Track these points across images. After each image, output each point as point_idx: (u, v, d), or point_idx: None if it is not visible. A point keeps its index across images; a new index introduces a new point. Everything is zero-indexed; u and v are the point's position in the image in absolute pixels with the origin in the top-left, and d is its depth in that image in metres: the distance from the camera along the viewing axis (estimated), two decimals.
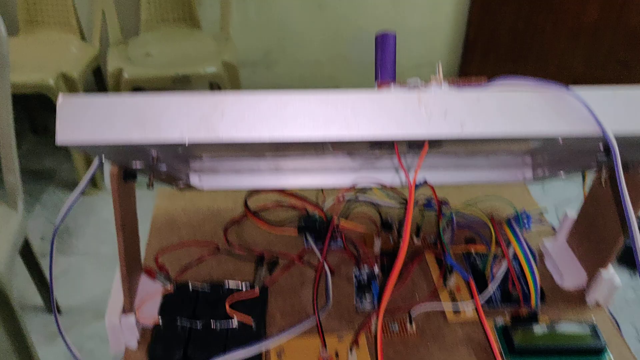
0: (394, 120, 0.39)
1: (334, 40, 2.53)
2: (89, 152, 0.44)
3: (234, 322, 0.54)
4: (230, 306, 0.55)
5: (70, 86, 2.00)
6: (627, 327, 0.67)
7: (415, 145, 0.46)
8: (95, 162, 0.53)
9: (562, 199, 0.75)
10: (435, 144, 0.46)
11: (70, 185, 2.28)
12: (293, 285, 0.71)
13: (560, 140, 0.42)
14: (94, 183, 2.27)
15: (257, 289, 0.57)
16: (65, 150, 2.12)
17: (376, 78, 0.46)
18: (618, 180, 0.40)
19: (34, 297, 1.71)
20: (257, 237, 0.78)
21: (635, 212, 0.59)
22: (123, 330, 0.62)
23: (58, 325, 0.59)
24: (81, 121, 0.38)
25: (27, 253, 1.50)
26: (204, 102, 0.38)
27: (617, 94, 0.39)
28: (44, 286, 1.66)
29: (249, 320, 0.53)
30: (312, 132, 0.38)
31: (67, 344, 0.57)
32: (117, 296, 0.63)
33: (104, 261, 1.94)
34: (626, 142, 0.41)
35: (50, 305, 1.73)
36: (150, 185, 0.59)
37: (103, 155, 0.47)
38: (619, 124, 0.39)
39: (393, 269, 0.47)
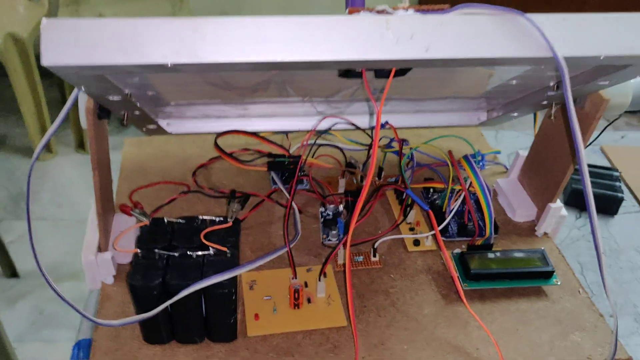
0: (363, 43, 0.41)
1: None
2: (72, 80, 0.45)
3: (210, 252, 0.56)
4: (205, 238, 0.57)
5: (20, 48, 1.95)
6: (572, 262, 0.73)
7: (382, 74, 0.49)
8: (74, 94, 0.54)
9: (514, 148, 0.80)
10: (400, 73, 0.50)
11: (23, 151, 2.24)
12: (262, 222, 0.74)
13: (516, 66, 0.46)
14: (48, 148, 2.23)
15: (230, 221, 0.59)
16: (18, 116, 2.08)
17: (347, 5, 0.48)
18: (567, 103, 0.43)
19: None
20: (225, 180, 0.80)
21: (584, 142, 0.64)
22: (99, 267, 0.64)
23: None
24: (66, 44, 0.39)
25: None
26: (186, 25, 0.40)
27: (567, 18, 0.43)
28: (2, 250, 1.65)
29: (224, 248, 0.56)
30: (288, 54, 0.41)
31: None
32: (92, 234, 0.65)
33: (62, 225, 1.92)
34: (574, 65, 0.45)
35: (8, 270, 1.71)
36: (124, 122, 0.61)
37: (85, 88, 0.49)
38: (568, 47, 0.43)
39: (361, 195, 0.51)
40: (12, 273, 1.73)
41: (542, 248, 0.67)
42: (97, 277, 0.65)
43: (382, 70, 0.49)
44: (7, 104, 2.50)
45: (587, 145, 0.81)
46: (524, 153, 0.78)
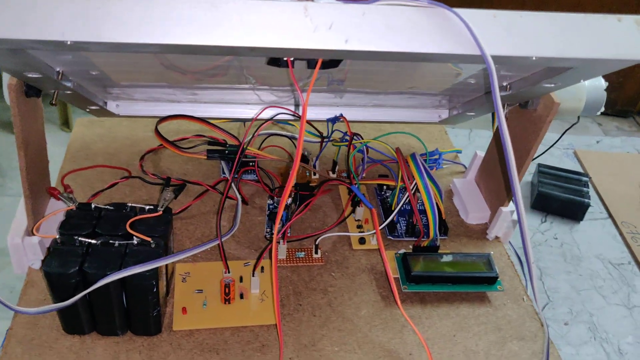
0: (279, 29, 0.39)
1: None
2: None
3: (134, 241, 0.54)
4: (134, 227, 0.55)
5: None
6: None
7: (313, 65, 0.47)
8: None
9: (487, 146, 0.77)
10: (331, 64, 0.47)
11: (3, 125, 2.21)
12: (205, 213, 0.71)
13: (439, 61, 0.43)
14: (66, 123, 2.19)
15: (160, 211, 0.57)
16: None
17: None
18: (495, 102, 0.41)
19: None
20: (174, 167, 0.78)
21: (535, 146, 0.62)
22: (26, 250, 0.62)
23: None
24: None
25: None
26: (89, 1, 0.37)
27: (498, 14, 0.40)
28: None
29: (147, 238, 0.54)
30: (196, 37, 0.38)
31: None
32: (21, 217, 0.62)
33: None
34: (506, 63, 0.42)
35: None
36: (53, 102, 0.58)
37: None
38: (498, 46, 0.40)
39: (285, 188, 0.48)
40: None
41: (489, 252, 0.65)
42: (24, 261, 0.62)
43: (312, 61, 0.46)
44: None
45: (547, 150, 0.79)
46: (482, 153, 0.75)
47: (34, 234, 0.61)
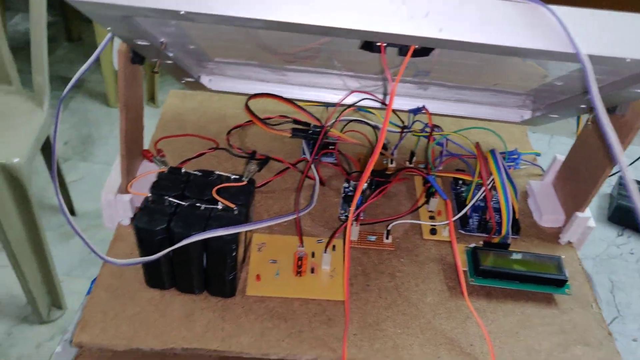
0: (376, 13, 0.41)
1: None
2: (97, 19, 0.46)
3: (219, 206, 0.57)
4: (219, 193, 0.58)
5: None
6: (604, 279, 0.70)
7: (404, 53, 0.48)
8: (108, 35, 0.56)
9: (566, 153, 0.76)
10: (421, 52, 0.48)
11: (98, 97, 2.32)
12: (284, 189, 0.74)
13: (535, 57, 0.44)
14: (152, 99, 2.30)
15: (244, 181, 0.60)
16: (97, 62, 2.16)
17: None
18: (595, 105, 0.41)
19: (52, 198, 1.77)
20: (259, 143, 0.81)
21: (623, 148, 0.61)
22: (117, 207, 0.66)
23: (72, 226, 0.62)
24: None
25: (49, 154, 1.55)
26: None
27: (595, 14, 0.41)
28: (63, 188, 1.72)
29: (232, 205, 0.57)
30: (298, 16, 0.41)
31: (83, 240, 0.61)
32: (115, 175, 0.67)
33: None
34: (599, 63, 0.43)
35: (68, 208, 1.79)
36: (155, 70, 0.62)
37: (111, 29, 0.50)
38: (592, 45, 0.41)
39: (363, 173, 0.50)
40: (70, 211, 1.82)
41: (560, 256, 0.65)
42: (114, 217, 0.67)
43: (403, 47, 0.48)
44: (89, 49, 2.61)
45: (633, 163, 0.77)
46: (562, 157, 0.75)
47: (127, 192, 0.65)
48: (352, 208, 0.56)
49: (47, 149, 1.49)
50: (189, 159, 0.76)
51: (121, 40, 0.57)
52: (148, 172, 0.66)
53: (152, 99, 2.29)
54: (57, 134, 0.61)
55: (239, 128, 0.83)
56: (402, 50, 0.49)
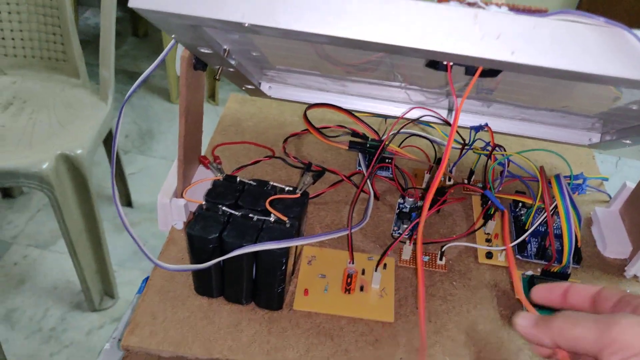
0: (446, 34, 0.39)
1: None
2: (162, 26, 0.47)
3: (271, 218, 0.57)
4: (272, 204, 0.58)
5: None
6: None
7: (471, 72, 0.47)
8: (172, 42, 0.57)
9: (634, 179, 0.72)
10: (489, 73, 0.47)
11: (161, 92, 2.37)
12: (338, 202, 0.73)
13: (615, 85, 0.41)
14: (212, 97, 2.34)
15: (298, 193, 0.59)
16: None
17: None
18: None
19: (111, 189, 1.81)
20: (314, 153, 0.80)
21: None
22: (172, 210, 0.67)
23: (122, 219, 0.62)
24: None
25: (111, 147, 1.59)
26: None
27: None
28: (121, 180, 1.77)
29: (284, 218, 0.56)
30: (366, 33, 0.40)
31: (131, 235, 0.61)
32: (172, 179, 0.68)
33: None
34: None
35: (124, 199, 1.84)
36: (217, 77, 0.62)
37: (176, 36, 0.50)
38: None
39: (427, 193, 0.49)
40: (127, 202, 1.86)
41: (627, 291, 0.61)
42: (168, 220, 0.67)
43: (470, 68, 0.46)
44: (154, 46, 2.67)
45: None
46: (632, 185, 0.71)
47: (182, 197, 0.66)
48: (419, 229, 0.54)
49: (109, 141, 1.53)
50: (245, 166, 0.76)
51: (184, 47, 0.57)
52: (204, 179, 0.66)
53: (212, 96, 2.32)
54: (117, 134, 0.62)
55: (296, 136, 0.83)
56: (469, 70, 0.47)
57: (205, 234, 0.55)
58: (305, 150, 0.81)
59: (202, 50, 0.54)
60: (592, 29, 0.38)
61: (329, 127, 0.82)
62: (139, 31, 2.69)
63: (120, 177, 1.76)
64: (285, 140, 0.81)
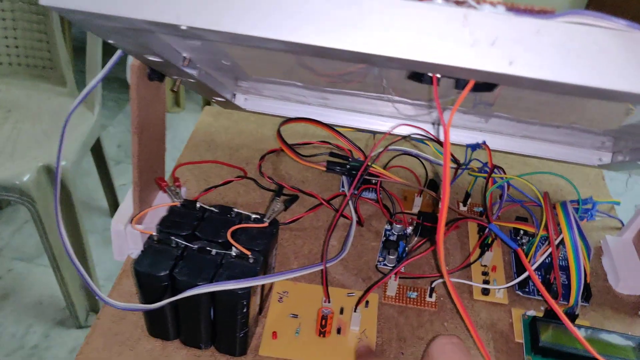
0: (428, 38, 0.31)
1: None
2: (92, 29, 0.39)
3: (233, 252, 0.49)
4: (235, 235, 0.50)
5: None
6: None
7: (462, 86, 0.39)
8: (118, 54, 0.49)
9: None
10: (484, 87, 0.39)
11: None
12: (317, 228, 0.65)
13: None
14: (177, 102, 2.28)
15: (266, 222, 0.52)
16: None
17: None
18: None
19: (102, 200, 1.75)
20: (293, 172, 0.73)
21: None
22: (127, 238, 0.59)
23: None
24: None
25: (99, 158, 1.53)
26: None
27: None
28: (111, 191, 1.70)
29: (247, 252, 0.49)
30: (329, 39, 0.32)
31: None
32: (128, 203, 0.60)
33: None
34: None
35: (114, 210, 1.77)
36: (173, 89, 0.55)
37: (115, 42, 0.43)
38: None
39: (437, 234, 0.41)
40: None
41: None
42: (124, 248, 0.60)
43: (462, 81, 0.39)
44: None
45: None
46: None
47: (138, 224, 0.58)
48: (443, 265, 0.47)
49: (98, 150, 1.48)
50: (215, 187, 0.68)
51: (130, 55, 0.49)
52: (162, 205, 0.59)
53: (208, 103, 2.25)
54: (61, 156, 0.55)
55: (274, 153, 0.75)
56: (460, 83, 0.39)
57: (153, 270, 0.47)
58: (284, 168, 0.73)
59: (151, 58, 0.46)
60: (610, 34, 0.31)
61: (312, 143, 0.74)
62: None
63: (109, 188, 1.69)
64: (262, 158, 0.73)
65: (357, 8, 0.32)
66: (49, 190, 1.24)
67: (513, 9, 0.32)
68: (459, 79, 0.39)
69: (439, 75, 0.38)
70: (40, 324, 1.51)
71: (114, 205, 1.76)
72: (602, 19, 0.31)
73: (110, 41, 0.42)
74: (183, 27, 0.33)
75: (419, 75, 0.39)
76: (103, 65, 0.49)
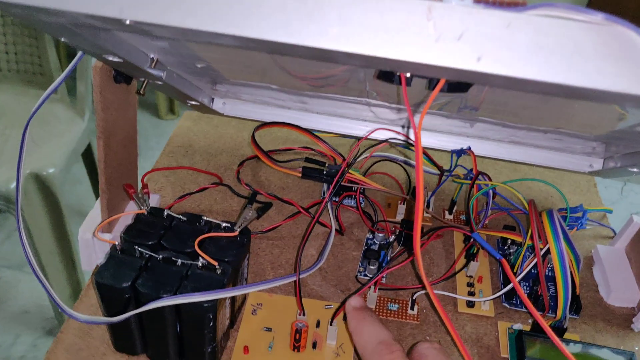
0: (390, 33, 0.29)
1: None
2: (41, 28, 0.37)
3: (199, 262, 0.46)
4: (203, 245, 0.47)
5: None
6: None
7: (433, 86, 0.36)
8: (79, 55, 0.47)
9: None
10: (456, 88, 0.36)
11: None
12: (296, 237, 0.63)
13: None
14: (171, 109, 2.26)
15: (236, 231, 0.49)
16: None
17: None
18: None
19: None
20: (273, 179, 0.70)
21: None
22: (95, 248, 0.57)
23: None
24: None
25: (90, 164, 1.52)
26: None
27: None
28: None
29: (214, 262, 0.46)
30: (282, 34, 0.30)
31: None
32: (97, 211, 0.58)
33: None
34: None
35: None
36: (139, 91, 0.52)
37: (67, 40, 0.40)
38: None
39: (414, 240, 0.38)
40: None
41: (634, 351, 0.51)
42: (92, 258, 0.57)
43: (434, 80, 0.36)
44: None
45: None
46: None
47: (106, 232, 0.55)
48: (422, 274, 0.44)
49: (89, 157, 1.47)
50: (190, 194, 0.66)
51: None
52: (128, 213, 0.56)
53: (171, 109, 2.24)
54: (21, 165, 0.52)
55: (254, 159, 0.72)
56: (432, 83, 0.37)
57: (115, 282, 0.45)
58: (264, 175, 0.71)
59: (111, 59, 0.44)
60: (586, 27, 0.28)
61: (293, 149, 0.71)
62: None
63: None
64: (241, 164, 0.71)
65: (313, 0, 0.29)
66: (36, 197, 1.23)
67: (481, 1, 0.30)
68: (430, 78, 0.37)
69: (407, 75, 0.36)
70: (27, 334, 1.50)
71: None
72: (577, 11, 0.28)
73: (63, 40, 0.40)
74: (127, 22, 0.31)
75: (388, 75, 0.37)
76: None
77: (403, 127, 0.64)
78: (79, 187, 1.83)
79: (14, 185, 1.15)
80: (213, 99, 0.68)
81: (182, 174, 0.69)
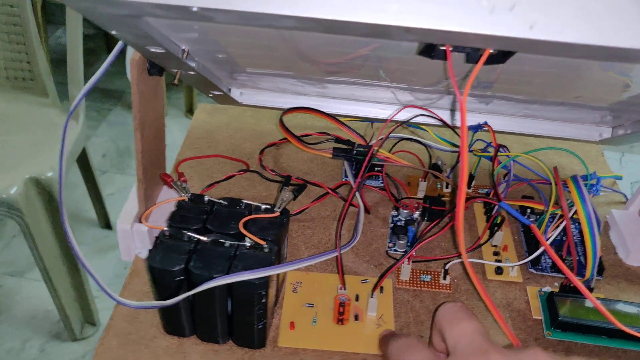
0: (446, 7, 0.31)
1: None
2: (95, 19, 0.38)
3: (246, 243, 0.48)
4: (246, 226, 0.49)
5: None
6: None
7: (474, 59, 0.39)
8: (118, 45, 0.48)
9: None
10: (496, 59, 0.38)
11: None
12: (325, 217, 0.65)
13: None
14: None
15: (277, 211, 0.51)
16: None
17: None
18: None
19: (90, 211, 1.73)
20: (295, 164, 0.72)
21: None
22: (134, 237, 0.58)
23: None
24: None
25: (85, 168, 1.52)
26: None
27: None
28: (99, 201, 1.68)
29: (261, 242, 0.48)
30: (345, 13, 0.32)
31: None
32: (133, 202, 0.59)
33: None
34: None
35: (103, 220, 1.75)
36: (174, 82, 0.54)
37: (117, 33, 0.42)
38: None
39: (457, 211, 0.40)
40: (106, 224, 1.77)
41: None
42: (131, 249, 0.59)
43: (473, 53, 0.38)
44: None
45: None
46: None
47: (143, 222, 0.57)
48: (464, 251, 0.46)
49: (84, 161, 1.47)
50: (218, 182, 0.68)
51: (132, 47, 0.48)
52: (168, 200, 0.58)
53: (190, 110, 2.24)
54: (62, 170, 0.54)
55: (274, 146, 0.74)
56: (471, 56, 0.39)
57: (168, 265, 0.47)
58: (285, 161, 0.73)
59: (153, 50, 0.45)
60: None
61: (310, 135, 0.73)
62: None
63: (97, 198, 1.68)
64: (262, 152, 0.72)
65: None
66: (37, 201, 1.23)
67: None
68: (469, 52, 0.39)
69: (451, 47, 0.38)
70: (36, 339, 1.50)
71: (102, 215, 1.74)
72: None
73: (112, 32, 0.41)
74: (194, 9, 0.32)
75: (430, 49, 0.39)
76: (85, 75, 0.48)
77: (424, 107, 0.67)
78: (74, 192, 1.82)
79: (13, 190, 1.15)
80: (230, 88, 0.70)
81: (209, 164, 0.71)
